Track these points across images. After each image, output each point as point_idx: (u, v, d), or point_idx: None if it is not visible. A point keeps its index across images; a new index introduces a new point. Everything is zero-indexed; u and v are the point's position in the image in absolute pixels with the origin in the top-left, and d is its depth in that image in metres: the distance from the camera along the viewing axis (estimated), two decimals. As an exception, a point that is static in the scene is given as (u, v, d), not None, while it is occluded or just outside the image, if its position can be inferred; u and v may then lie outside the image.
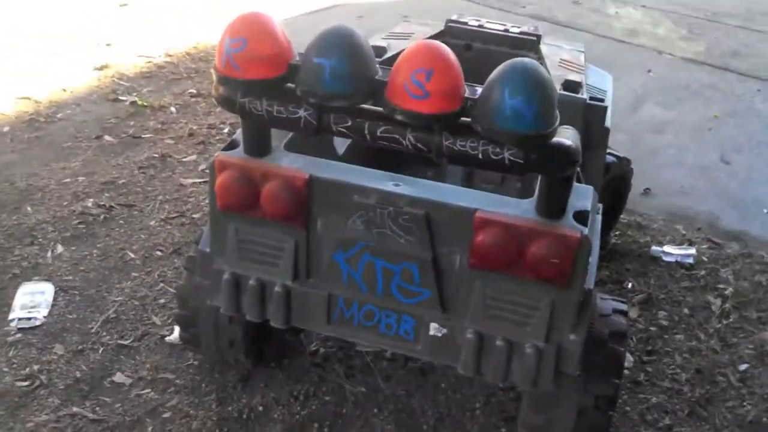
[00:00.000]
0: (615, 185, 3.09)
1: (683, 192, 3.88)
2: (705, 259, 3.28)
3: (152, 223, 3.30)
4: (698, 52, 5.84)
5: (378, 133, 1.67)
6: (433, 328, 1.96)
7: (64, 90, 4.53)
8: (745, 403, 2.56)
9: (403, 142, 1.65)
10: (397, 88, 1.59)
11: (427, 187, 1.91)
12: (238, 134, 2.01)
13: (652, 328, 2.86)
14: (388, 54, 2.87)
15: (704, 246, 3.38)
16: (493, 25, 3.20)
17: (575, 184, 1.97)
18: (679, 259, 3.23)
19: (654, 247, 3.29)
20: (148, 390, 2.44)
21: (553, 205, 1.80)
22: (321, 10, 6.24)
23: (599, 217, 2.36)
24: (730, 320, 2.91)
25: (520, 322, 1.87)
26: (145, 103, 4.39)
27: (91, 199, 3.43)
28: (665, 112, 4.80)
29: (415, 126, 1.65)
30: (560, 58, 3.04)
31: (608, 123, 2.75)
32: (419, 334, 1.98)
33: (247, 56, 1.64)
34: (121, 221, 3.31)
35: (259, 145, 1.96)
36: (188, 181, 3.60)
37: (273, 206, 1.92)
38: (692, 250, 3.27)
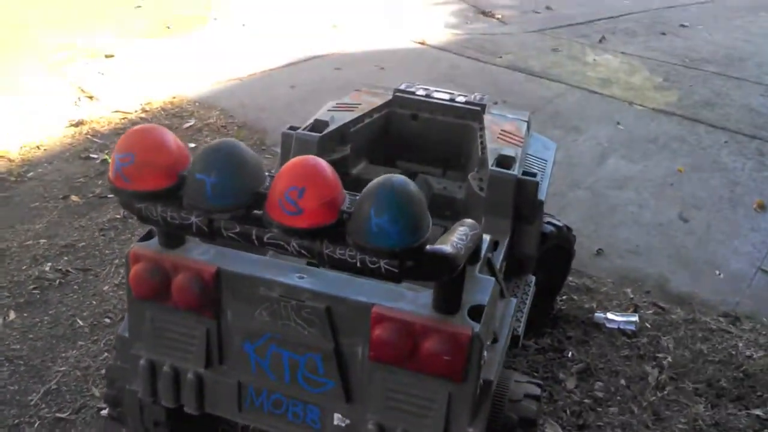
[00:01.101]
0: (555, 254, 3.13)
1: (637, 252, 3.92)
2: (648, 325, 3.31)
3: (105, 288, 3.38)
4: (670, 102, 5.90)
5: (265, 239, 1.74)
6: (337, 418, 2.01)
7: (38, 147, 4.64)
8: (673, 481, 2.58)
9: (288, 248, 1.71)
10: (273, 204, 1.66)
11: (331, 280, 1.97)
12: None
13: (586, 400, 2.89)
14: (330, 128, 2.96)
15: (649, 311, 3.41)
16: (441, 94, 3.29)
17: (477, 275, 2.03)
18: (621, 326, 3.26)
19: (597, 314, 3.33)
20: (78, 467, 2.50)
21: (447, 302, 1.85)
22: (300, 62, 6.36)
23: (513, 302, 2.41)
24: (665, 392, 2.93)
25: (419, 414, 1.92)
26: (115, 161, 4.48)
27: (49, 264, 3.51)
28: (630, 166, 4.85)
29: (299, 234, 1.71)
30: (501, 129, 3.11)
31: (542, 196, 2.81)
32: (325, 423, 2.03)
33: (135, 169, 1.72)
34: (75, 286, 3.38)
35: (172, 236, 2.03)
36: (146, 244, 3.68)
37: (183, 297, 1.99)
38: (635, 318, 3.30)
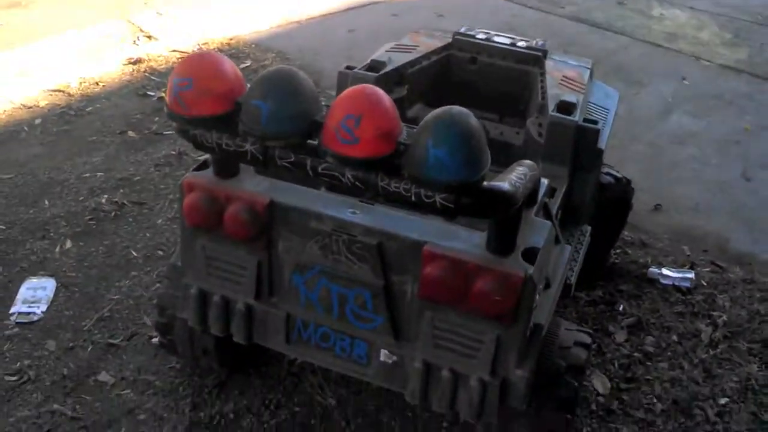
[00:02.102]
0: (612, 207, 3.05)
1: (696, 209, 3.80)
2: (704, 283, 3.21)
3: (159, 221, 3.43)
4: (739, 60, 5.64)
5: (319, 170, 1.72)
6: (384, 355, 2.01)
7: (97, 83, 4.70)
8: (720, 439, 2.53)
9: (343, 179, 1.69)
10: (329, 133, 1.63)
11: (382, 216, 1.95)
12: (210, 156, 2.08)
13: (636, 354, 2.84)
14: (387, 68, 2.91)
15: (706, 269, 3.32)
16: (501, 38, 3.20)
17: (533, 218, 1.99)
18: (676, 283, 3.17)
19: (652, 269, 3.25)
20: (128, 391, 2.56)
21: (501, 242, 1.82)
22: (358, 7, 6.27)
23: (568, 249, 2.36)
24: (718, 350, 2.86)
25: (466, 354, 1.91)
26: (171, 99, 4.51)
27: (106, 196, 3.58)
28: (694, 122, 4.68)
29: (354, 164, 1.69)
30: (562, 75, 3.02)
31: (602, 144, 2.73)
32: (371, 358, 2.03)
33: (193, 95, 1.71)
34: (130, 219, 3.44)
35: (226, 167, 2.03)
36: (199, 181, 3.71)
37: (235, 227, 1.99)
38: (691, 274, 3.21)
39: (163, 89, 4.64)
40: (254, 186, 2.02)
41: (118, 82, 4.73)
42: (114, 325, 2.84)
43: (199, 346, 2.45)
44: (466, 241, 1.88)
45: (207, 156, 2.11)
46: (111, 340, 2.77)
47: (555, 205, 2.47)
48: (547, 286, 2.10)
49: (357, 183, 1.68)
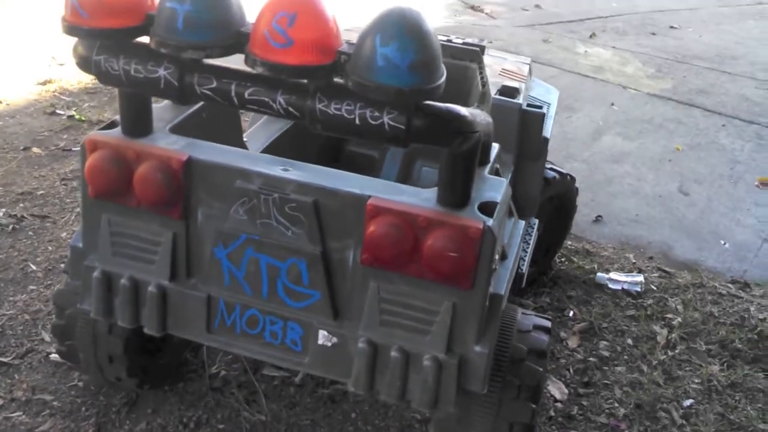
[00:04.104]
0: (557, 203, 2.90)
1: (637, 221, 3.70)
2: (654, 287, 3.07)
3: (63, 234, 3.07)
4: (665, 89, 5.74)
5: (246, 96, 1.47)
6: (322, 337, 1.73)
7: (1, 102, 4.33)
8: (688, 442, 2.33)
9: (273, 105, 1.45)
10: (259, 38, 1.39)
11: (319, 172, 1.70)
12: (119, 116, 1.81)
13: (591, 359, 2.63)
14: None
15: (654, 275, 3.18)
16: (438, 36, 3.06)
17: (487, 175, 1.78)
18: (625, 287, 3.02)
19: (599, 274, 3.09)
20: (19, 413, 2.18)
21: (455, 193, 1.60)
22: None
23: (523, 223, 2.16)
24: (677, 351, 2.69)
25: (418, 329, 1.65)
26: (83, 118, 4.20)
27: (3, 209, 3.20)
28: (626, 142, 4.65)
29: (287, 86, 1.45)
30: (502, 68, 2.89)
31: (547, 133, 2.58)
32: (307, 344, 1.75)
33: (95, 0, 1.45)
34: (30, 232, 3.07)
35: (136, 124, 1.76)
36: (111, 194, 3.38)
37: (146, 191, 1.71)
38: (640, 278, 3.06)
39: (75, 108, 4.32)
40: (169, 144, 1.75)
41: (24, 102, 4.36)
42: (5, 342, 2.46)
43: (104, 351, 2.10)
44: (414, 195, 1.65)
45: (115, 117, 1.84)
46: (1, 358, 2.38)
47: None
48: (504, 256, 1.88)
49: (290, 108, 1.44)
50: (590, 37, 7.32)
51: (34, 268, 2.84)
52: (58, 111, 4.26)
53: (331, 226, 1.65)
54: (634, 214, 3.75)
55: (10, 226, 3.08)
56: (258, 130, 2.49)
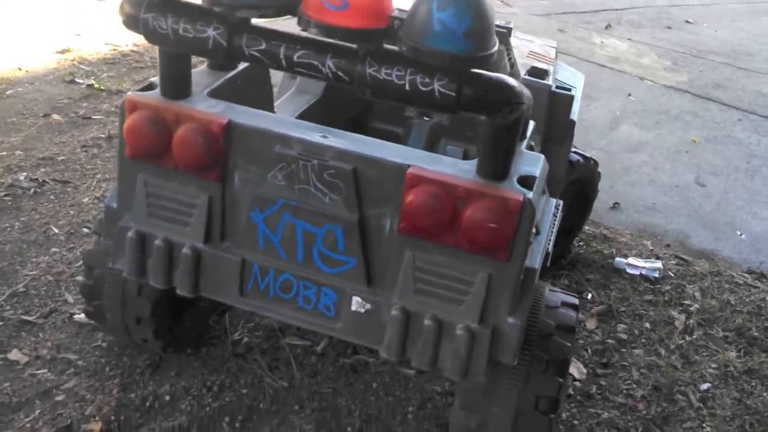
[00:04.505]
0: (580, 186, 2.91)
1: (654, 209, 3.70)
2: (671, 274, 3.08)
3: (85, 200, 3.08)
4: (681, 81, 5.73)
5: (295, 59, 1.48)
6: (356, 303, 1.74)
7: (20, 69, 4.32)
8: (704, 425, 2.34)
9: (323, 69, 1.46)
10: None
11: (358, 140, 1.71)
12: (157, 78, 1.81)
13: (609, 341, 2.64)
14: None
15: (672, 262, 3.19)
16: None
17: (525, 150, 1.79)
18: (643, 272, 3.03)
19: (618, 259, 3.10)
20: (44, 370, 2.19)
21: (495, 165, 1.60)
22: None
23: (553, 201, 2.17)
24: (694, 337, 2.71)
25: (452, 299, 1.66)
26: (102, 87, 4.20)
27: (24, 173, 3.20)
28: (643, 132, 4.65)
29: (337, 49, 1.45)
30: (529, 50, 2.89)
31: (575, 116, 2.59)
32: (340, 310, 1.76)
33: None
34: (51, 196, 3.08)
35: (176, 87, 1.76)
36: (132, 163, 3.38)
37: (185, 153, 1.71)
38: (658, 264, 3.07)
39: (94, 77, 4.31)
40: (208, 107, 1.75)
41: (43, 69, 4.36)
42: (29, 302, 2.47)
43: (132, 312, 2.12)
44: (454, 166, 1.65)
45: (152, 79, 1.84)
46: (25, 317, 2.40)
47: None
48: (537, 232, 1.89)
49: (339, 72, 1.45)
50: (606, 28, 7.31)
51: (56, 231, 2.85)
52: (77, 80, 4.26)
53: (368, 193, 1.66)
54: (651, 203, 3.76)
55: (32, 190, 3.09)
56: (286, 101, 2.49)
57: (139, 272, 1.84)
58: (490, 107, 1.47)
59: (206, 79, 1.92)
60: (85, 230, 2.87)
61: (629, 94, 5.27)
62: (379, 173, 1.64)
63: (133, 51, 4.82)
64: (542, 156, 1.80)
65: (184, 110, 1.72)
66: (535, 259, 1.76)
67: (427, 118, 2.80)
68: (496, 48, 1.41)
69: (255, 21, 1.54)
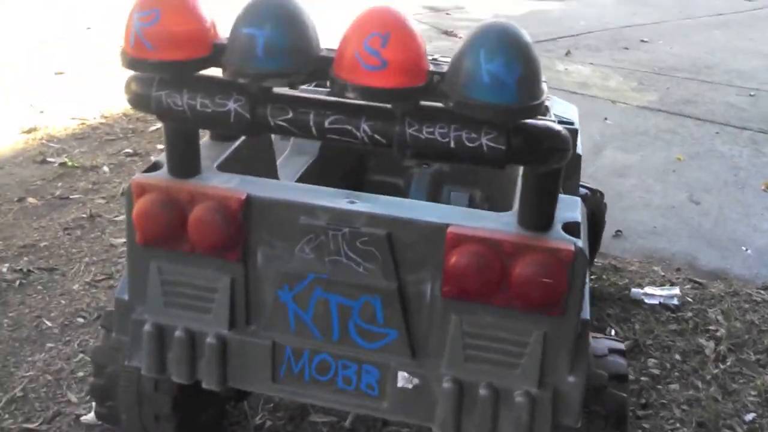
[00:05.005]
0: (589, 220, 2.83)
1: (656, 233, 3.65)
2: (690, 299, 3.01)
3: (75, 287, 2.91)
4: (652, 100, 5.77)
5: (326, 125, 1.38)
6: (402, 379, 1.62)
7: (-15, 154, 4.15)
8: (756, 457, 2.25)
9: (357, 133, 1.36)
10: (347, 60, 1.30)
11: (389, 202, 1.61)
12: (162, 157, 1.70)
13: (643, 378, 2.55)
14: None
15: (687, 286, 3.13)
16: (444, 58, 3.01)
17: (561, 194, 1.70)
18: (662, 301, 2.96)
19: (634, 290, 3.02)
20: (57, 482, 2.02)
21: (539, 215, 1.51)
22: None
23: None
24: (727, 364, 2.62)
25: (507, 363, 1.55)
26: (76, 164, 4.04)
27: (6, 264, 3.03)
28: (627, 156, 4.63)
29: (371, 111, 1.36)
30: None
31: (579, 149, 2.52)
32: (385, 387, 1.63)
33: (161, 31, 1.35)
34: (39, 286, 2.91)
35: (185, 164, 1.65)
36: (119, 241, 3.22)
37: (203, 235, 1.59)
38: (676, 291, 3.01)
39: (65, 155, 4.16)
40: (223, 182, 1.64)
41: (11, 151, 4.19)
42: (29, 407, 2.29)
43: (150, 410, 1.95)
44: (494, 220, 1.56)
45: (157, 157, 1.73)
46: (27, 425, 2.22)
47: None
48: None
49: (376, 136, 1.35)
50: (566, 54, 7.37)
51: (49, 324, 2.68)
52: (48, 159, 4.09)
53: (406, 258, 1.56)
54: (652, 226, 3.71)
55: (17, 282, 2.91)
56: (285, 164, 2.38)
57: (160, 368, 1.70)
58: (540, 156, 1.39)
59: (211, 152, 1.81)
60: (80, 320, 2.70)
61: (605, 118, 5.28)
62: (415, 236, 1.54)
63: (102, 123, 4.68)
64: (578, 199, 1.72)
65: (198, 188, 1.60)
66: (586, 309, 1.66)
67: (426, 166, 2.72)
68: (546, 95, 1.33)
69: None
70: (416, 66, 1.30)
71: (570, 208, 1.63)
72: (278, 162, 2.32)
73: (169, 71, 1.41)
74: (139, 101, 1.48)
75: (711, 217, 3.86)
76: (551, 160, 1.40)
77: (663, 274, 3.24)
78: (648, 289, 3.01)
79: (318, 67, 1.36)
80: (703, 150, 4.77)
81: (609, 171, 4.40)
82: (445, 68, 1.35)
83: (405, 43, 1.28)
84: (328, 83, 1.36)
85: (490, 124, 1.33)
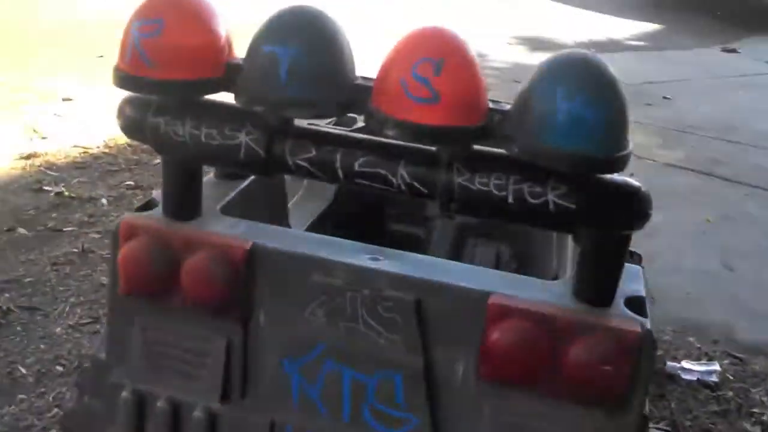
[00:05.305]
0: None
1: (690, 300, 3.39)
2: (730, 377, 2.74)
3: (57, 330, 2.66)
4: (679, 158, 5.56)
5: (356, 168, 1.15)
6: (421, 474, 1.36)
7: (-20, 180, 3.94)
8: None
9: (393, 180, 1.13)
10: (391, 89, 1.07)
11: (419, 262, 1.37)
12: (158, 193, 1.47)
13: (684, 466, 2.27)
14: None
15: (725, 361, 2.86)
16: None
17: None
18: (700, 377, 2.69)
19: (670, 363, 2.75)
20: None
21: (600, 287, 1.27)
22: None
23: None
24: (778, 454, 2.35)
25: None
26: (73, 194, 3.82)
27: (-15, 301, 2.79)
28: (654, 215, 4.38)
29: (413, 153, 1.13)
30: None
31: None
32: (402, 482, 1.37)
33: (164, 44, 1.12)
34: (18, 327, 2.66)
35: (184, 205, 1.42)
36: (110, 281, 2.98)
37: (197, 288, 1.36)
38: (715, 366, 2.74)
39: (63, 184, 3.94)
40: (226, 228, 1.40)
41: (6, 177, 3.98)
42: (-8, 468, 2.03)
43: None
44: (543, 290, 1.32)
45: (153, 193, 1.50)
46: (-15, 490, 1.95)
47: None
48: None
49: (415, 183, 1.12)
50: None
51: (23, 371, 2.42)
52: (45, 187, 3.88)
53: (436, 331, 1.31)
54: (685, 292, 3.45)
55: (-6, 321, 2.67)
56: (296, 209, 2.14)
57: (138, 441, 1.44)
58: (618, 219, 1.15)
59: (215, 191, 1.57)
60: (59, 368, 2.44)
61: (632, 174, 5.02)
62: (450, 304, 1.29)
63: (105, 153, 4.47)
64: (639, 268, 1.48)
65: (195, 234, 1.37)
66: (646, 401, 1.41)
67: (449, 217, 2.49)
68: (632, 144, 1.10)
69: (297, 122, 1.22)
70: (474, 101, 1.07)
71: (632, 279, 1.39)
72: (290, 205, 2.09)
73: (171, 93, 1.19)
74: (133, 128, 1.26)
75: (747, 285, 3.60)
76: (630, 224, 1.16)
77: (699, 345, 2.97)
78: (684, 363, 2.75)
79: (352, 97, 1.14)
80: (734, 212, 4.53)
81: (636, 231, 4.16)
82: (507, 107, 1.12)
83: (462, 73, 1.05)
84: (360, 119, 1.13)
85: (559, 177, 1.10)
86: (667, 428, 1.71)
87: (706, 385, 2.67)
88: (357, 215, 2.29)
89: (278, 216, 1.85)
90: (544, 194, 1.10)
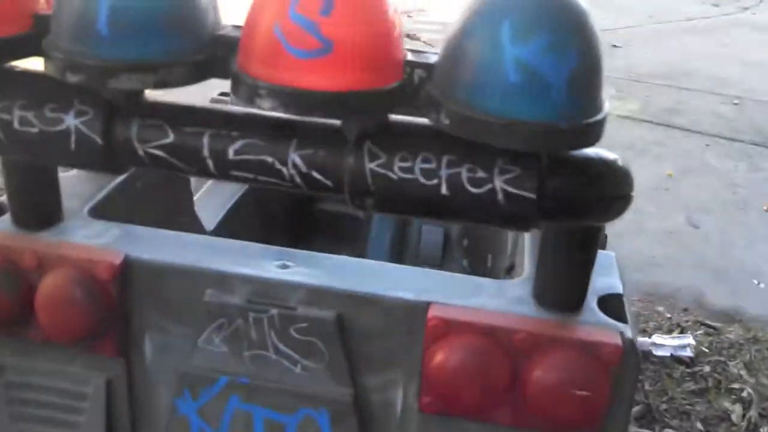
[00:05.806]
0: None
1: (655, 264, 3.20)
2: (705, 349, 2.55)
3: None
4: (633, 109, 5.37)
5: (230, 155, 0.85)
6: None
7: None
8: None
9: (283, 170, 0.83)
10: (261, 41, 0.77)
11: (339, 266, 1.09)
12: (5, 198, 1.15)
13: (662, 456, 2.07)
14: None
15: (699, 332, 2.67)
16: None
17: None
18: (674, 352, 2.49)
19: (640, 339, 2.54)
20: None
21: (568, 288, 1.01)
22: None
23: None
24: (762, 434, 2.16)
25: None
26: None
27: None
28: (613, 173, 4.18)
29: (307, 132, 0.84)
30: None
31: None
32: None
33: None
34: None
35: (37, 210, 1.11)
36: None
37: (56, 318, 1.07)
38: (688, 339, 2.54)
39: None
40: (92, 237, 1.10)
41: None
42: None
43: None
44: (497, 293, 1.05)
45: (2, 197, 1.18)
46: None
47: None
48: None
49: (314, 173, 0.83)
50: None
51: None
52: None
53: (366, 354, 1.04)
54: (650, 256, 3.25)
55: None
56: (204, 199, 1.80)
57: None
58: (592, 209, 0.88)
59: (84, 187, 1.26)
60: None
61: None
62: (380, 320, 1.02)
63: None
64: (612, 254, 1.22)
65: (49, 248, 1.07)
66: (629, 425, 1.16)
67: None
68: (607, 107, 0.82)
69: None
70: (385, 50, 0.77)
71: (604, 271, 1.12)
72: (197, 196, 1.75)
73: None
74: None
75: (713, 243, 3.42)
76: (608, 213, 0.90)
77: (669, 315, 2.78)
78: (656, 338, 2.54)
79: (211, 54, 0.83)
80: (695, 165, 4.36)
81: (595, 189, 3.95)
82: (432, 59, 0.83)
83: (363, 13, 0.75)
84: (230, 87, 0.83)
85: (509, 157, 0.82)
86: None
87: (680, 360, 2.47)
88: (280, 197, 1.98)
89: (180, 211, 1.55)
90: (490, 180, 0.82)
